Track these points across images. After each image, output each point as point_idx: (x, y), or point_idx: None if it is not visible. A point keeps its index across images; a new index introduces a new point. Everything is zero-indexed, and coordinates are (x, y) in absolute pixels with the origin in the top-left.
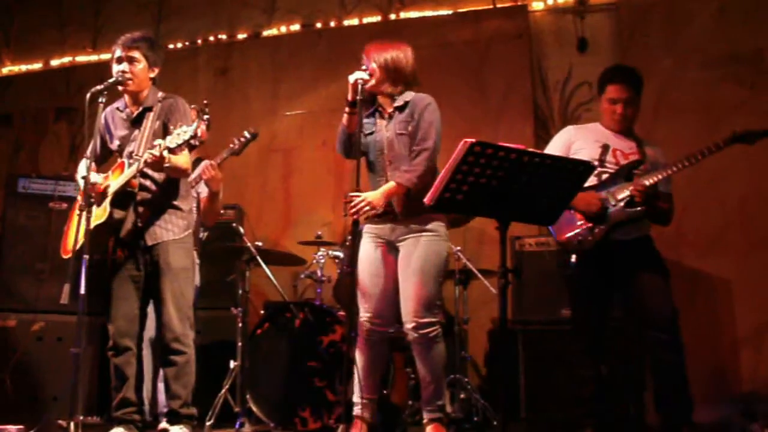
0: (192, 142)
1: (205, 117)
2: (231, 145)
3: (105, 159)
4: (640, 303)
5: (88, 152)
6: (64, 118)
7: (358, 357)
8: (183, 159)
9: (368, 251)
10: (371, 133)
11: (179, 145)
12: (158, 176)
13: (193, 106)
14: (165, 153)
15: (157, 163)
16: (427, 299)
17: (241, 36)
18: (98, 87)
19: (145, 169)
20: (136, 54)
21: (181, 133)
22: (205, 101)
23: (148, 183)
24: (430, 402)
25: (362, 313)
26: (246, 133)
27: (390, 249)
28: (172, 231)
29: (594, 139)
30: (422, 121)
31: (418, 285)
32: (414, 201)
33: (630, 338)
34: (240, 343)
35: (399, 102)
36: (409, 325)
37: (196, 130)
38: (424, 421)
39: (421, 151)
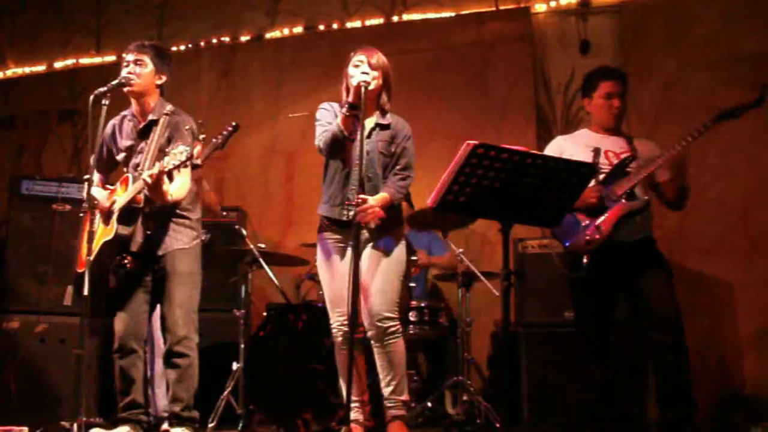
0: (187, 163)
1: (201, 137)
2: (214, 140)
3: (111, 168)
4: (643, 305)
5: (92, 161)
6: (68, 121)
7: (339, 362)
8: (182, 186)
9: (338, 256)
10: (354, 138)
11: (176, 167)
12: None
13: (187, 127)
14: (166, 173)
15: (157, 187)
16: (389, 296)
17: (243, 38)
18: (101, 89)
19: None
20: (143, 58)
21: (177, 154)
22: (200, 121)
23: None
24: (391, 399)
25: (335, 318)
26: (228, 126)
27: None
28: (182, 240)
29: (584, 144)
30: (406, 151)
31: (380, 282)
32: (386, 215)
33: (633, 340)
34: (242, 345)
35: (384, 120)
36: (369, 320)
37: (191, 151)
38: (387, 419)
39: (407, 177)
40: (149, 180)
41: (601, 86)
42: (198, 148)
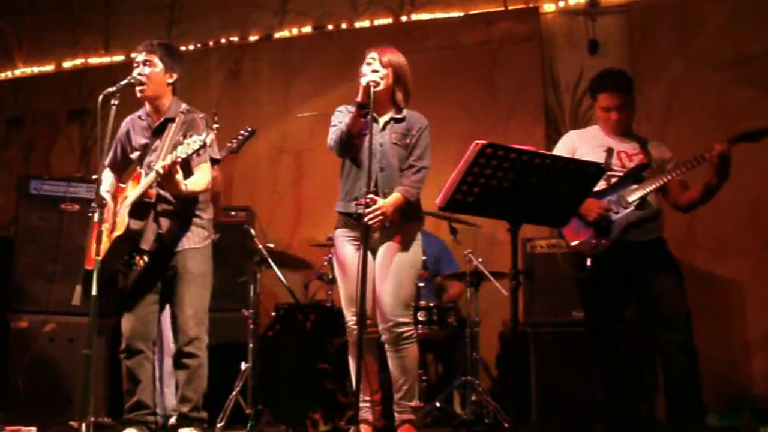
0: (200, 152)
1: (215, 126)
2: (229, 144)
3: (125, 167)
4: (653, 304)
5: (106, 161)
6: (76, 120)
7: (351, 362)
8: (201, 180)
9: (351, 255)
10: (364, 135)
11: (189, 155)
12: None
13: (201, 115)
14: (179, 162)
15: (170, 178)
16: (403, 299)
17: (252, 38)
18: (110, 89)
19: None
20: (152, 58)
21: (191, 143)
22: (213, 110)
23: (167, 193)
24: (401, 404)
25: (350, 317)
26: (243, 131)
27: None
28: (194, 240)
29: (597, 143)
30: (421, 141)
31: (394, 285)
32: (402, 212)
33: (642, 340)
34: (251, 345)
35: (398, 114)
36: (384, 325)
37: (205, 139)
38: (396, 422)
39: (421, 168)
40: (161, 171)
41: (599, 98)
42: (211, 137)
